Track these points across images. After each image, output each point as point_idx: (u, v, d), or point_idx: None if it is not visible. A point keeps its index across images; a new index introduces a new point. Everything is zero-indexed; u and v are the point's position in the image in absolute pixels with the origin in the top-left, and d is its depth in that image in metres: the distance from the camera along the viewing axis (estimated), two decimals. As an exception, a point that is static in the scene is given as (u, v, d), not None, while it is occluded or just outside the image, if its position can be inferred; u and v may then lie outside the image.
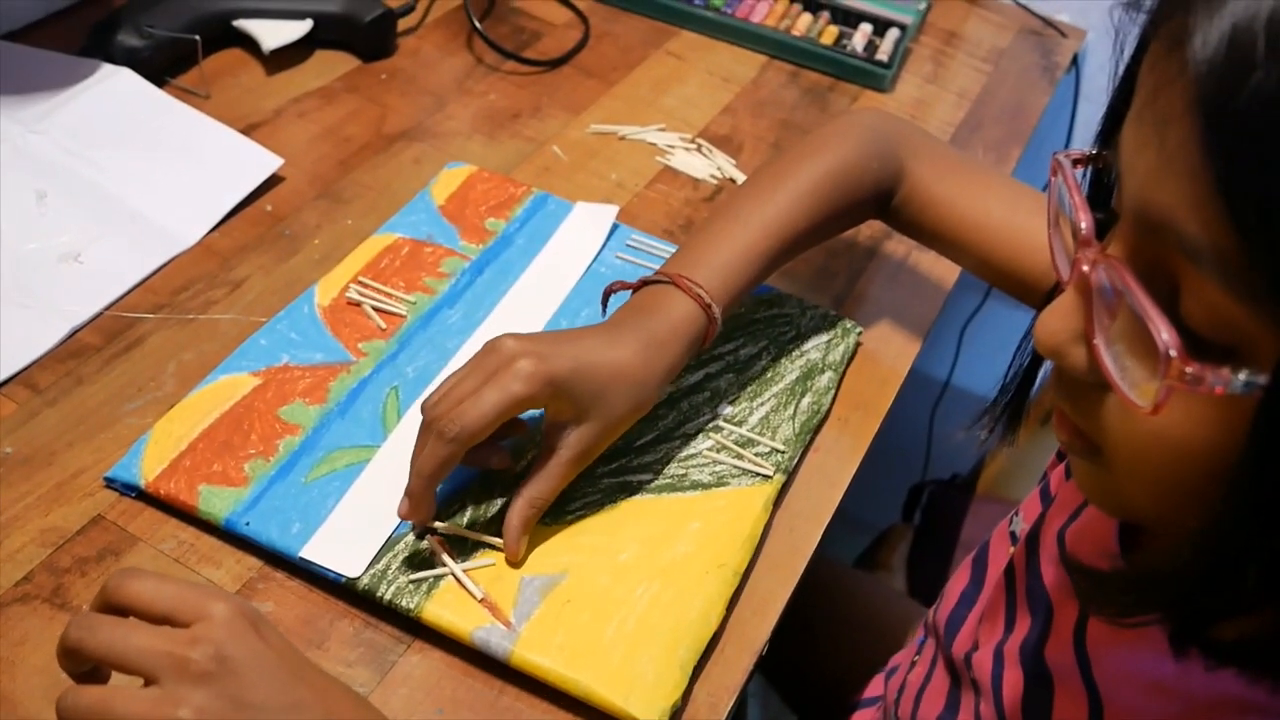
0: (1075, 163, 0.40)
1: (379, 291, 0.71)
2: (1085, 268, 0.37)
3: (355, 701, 0.46)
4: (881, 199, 0.68)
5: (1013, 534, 0.60)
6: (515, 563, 0.57)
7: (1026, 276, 0.65)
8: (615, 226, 0.79)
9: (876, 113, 0.71)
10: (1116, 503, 0.42)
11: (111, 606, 0.43)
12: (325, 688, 0.44)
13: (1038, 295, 0.64)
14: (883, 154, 0.67)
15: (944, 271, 0.83)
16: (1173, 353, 0.32)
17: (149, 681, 0.41)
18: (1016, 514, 0.60)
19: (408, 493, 0.55)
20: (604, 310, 0.66)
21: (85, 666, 0.43)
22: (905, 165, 0.68)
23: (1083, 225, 0.37)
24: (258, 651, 0.42)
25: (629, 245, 0.78)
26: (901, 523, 1.16)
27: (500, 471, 0.62)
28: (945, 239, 0.69)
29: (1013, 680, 0.50)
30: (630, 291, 0.63)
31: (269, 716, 0.41)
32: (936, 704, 0.60)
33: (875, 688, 0.76)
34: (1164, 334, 0.33)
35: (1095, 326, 0.36)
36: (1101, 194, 0.42)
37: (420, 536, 0.58)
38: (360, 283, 0.72)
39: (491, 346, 0.55)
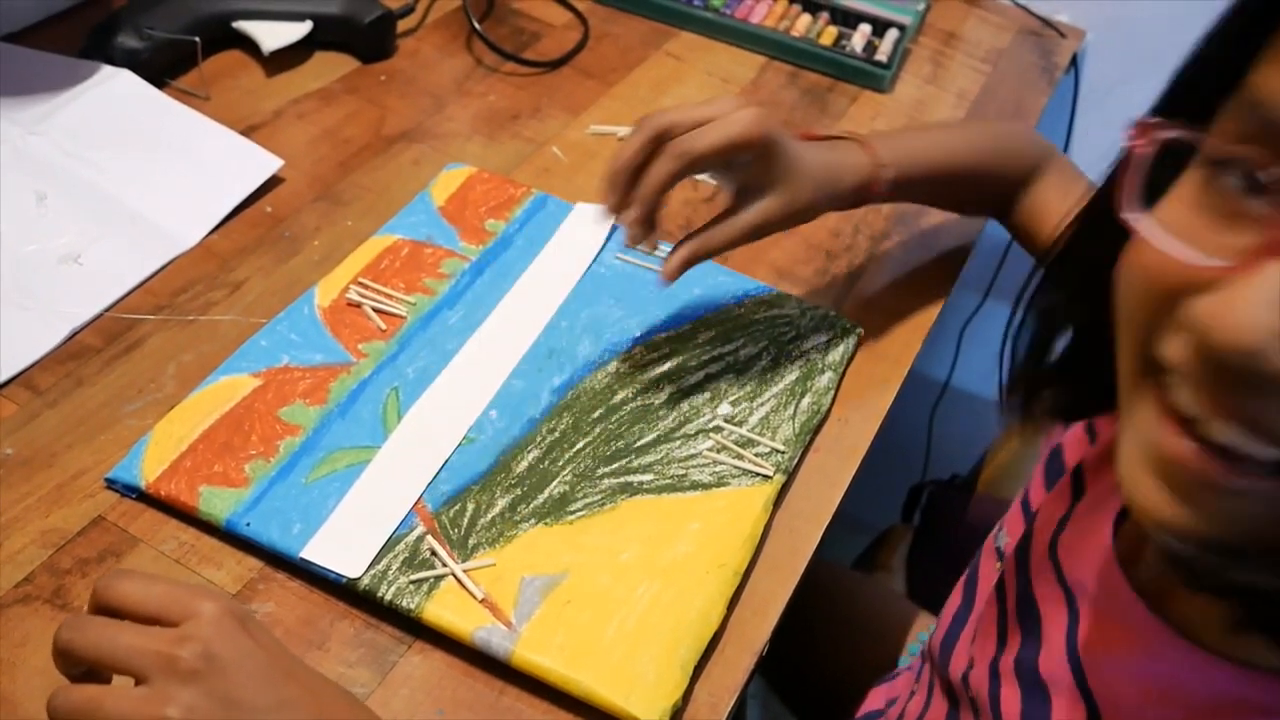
0: (1153, 131, 0.35)
1: (379, 293, 0.71)
2: None
3: (348, 701, 0.46)
4: (1013, 193, 0.75)
5: (998, 549, 0.59)
6: (668, 279, 0.63)
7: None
8: (615, 227, 0.79)
9: (1051, 146, 0.78)
10: (1256, 537, 0.34)
11: (102, 608, 0.43)
12: (316, 687, 0.44)
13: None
14: (1034, 155, 0.75)
15: (944, 272, 0.83)
16: None
17: (139, 681, 0.41)
18: (1000, 529, 0.60)
19: (610, 193, 0.61)
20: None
21: (79, 668, 0.43)
22: (1042, 168, 0.75)
23: (1266, 191, 0.32)
24: (246, 650, 0.42)
25: (629, 246, 0.78)
26: (901, 523, 1.16)
27: (502, 472, 0.62)
28: (1045, 243, 0.71)
29: (1010, 696, 0.50)
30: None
31: (257, 715, 0.41)
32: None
33: (874, 700, 0.76)
34: None
35: None
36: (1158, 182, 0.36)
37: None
38: (360, 284, 0.72)
39: (726, 98, 0.61)
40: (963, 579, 0.63)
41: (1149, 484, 0.35)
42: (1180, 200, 0.35)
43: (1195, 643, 0.42)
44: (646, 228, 0.62)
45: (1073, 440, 0.56)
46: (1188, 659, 0.41)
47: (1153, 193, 0.35)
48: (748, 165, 0.61)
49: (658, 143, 0.60)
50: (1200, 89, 0.36)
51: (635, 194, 0.61)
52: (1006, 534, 0.59)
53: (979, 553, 0.63)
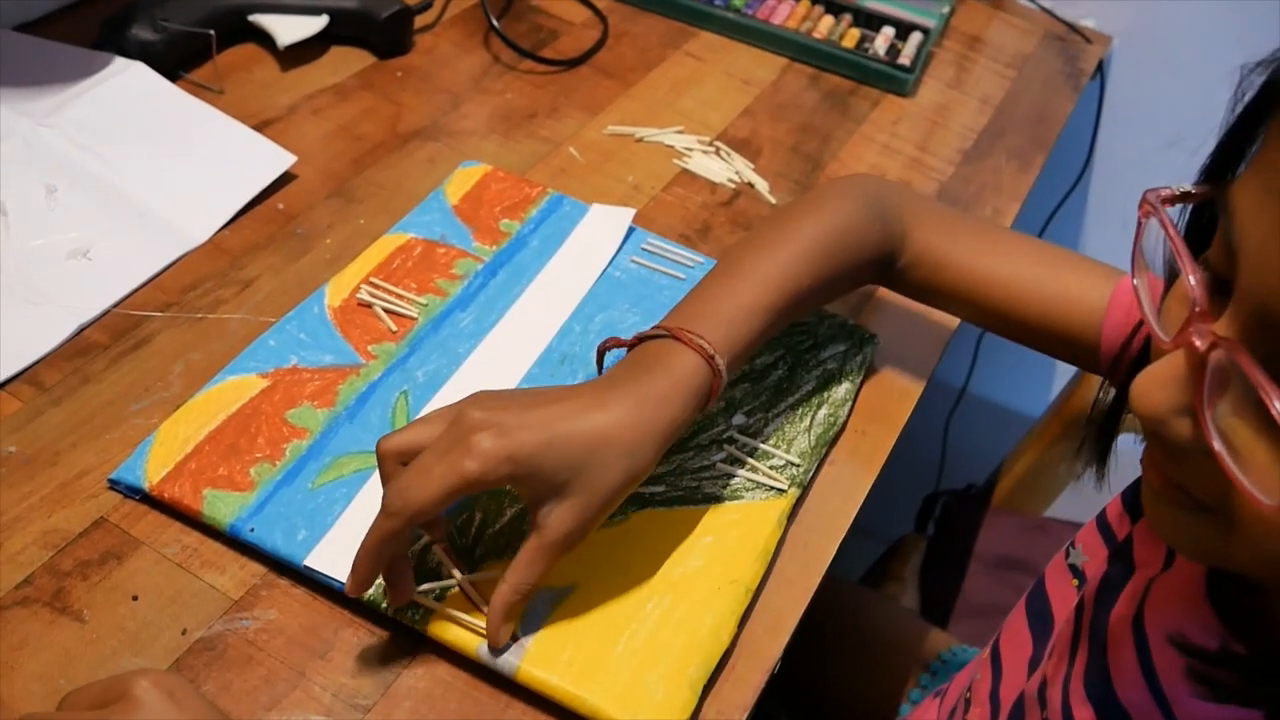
0: (1166, 201, 0.38)
1: (390, 293, 0.70)
2: (1198, 342, 0.35)
3: None
4: (884, 262, 0.65)
5: (1072, 566, 0.58)
6: (497, 648, 0.52)
7: (1063, 334, 0.63)
8: (631, 230, 0.78)
9: (870, 178, 0.68)
10: (1219, 557, 0.40)
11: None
12: None
13: (1075, 351, 0.63)
14: (884, 216, 0.64)
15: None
16: None
17: None
18: (1074, 546, 0.59)
19: (353, 566, 0.51)
20: (599, 370, 0.60)
21: None
22: (909, 229, 0.65)
23: (1193, 288, 0.36)
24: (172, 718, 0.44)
25: (645, 249, 0.77)
26: (914, 533, 1.15)
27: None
28: (964, 299, 0.66)
29: (1084, 717, 0.49)
30: (625, 350, 0.57)
31: None
32: None
33: None
34: None
35: (1204, 402, 0.35)
36: (1199, 234, 0.40)
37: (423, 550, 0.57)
38: (371, 284, 0.71)
39: (457, 413, 0.50)
40: (1025, 597, 0.62)
41: (1148, 505, 0.42)
42: (1189, 273, 0.38)
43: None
44: (358, 587, 0.52)
45: None
46: None
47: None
48: (523, 488, 0.50)
49: (382, 514, 0.49)
50: (1218, 166, 0.39)
51: (353, 564, 0.51)
52: (1083, 553, 0.58)
53: (1042, 572, 0.61)
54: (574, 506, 0.50)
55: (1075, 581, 0.57)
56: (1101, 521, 0.57)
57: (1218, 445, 0.34)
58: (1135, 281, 0.41)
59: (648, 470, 0.53)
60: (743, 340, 0.57)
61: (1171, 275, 0.40)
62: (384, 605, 0.54)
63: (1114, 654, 0.49)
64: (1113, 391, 0.53)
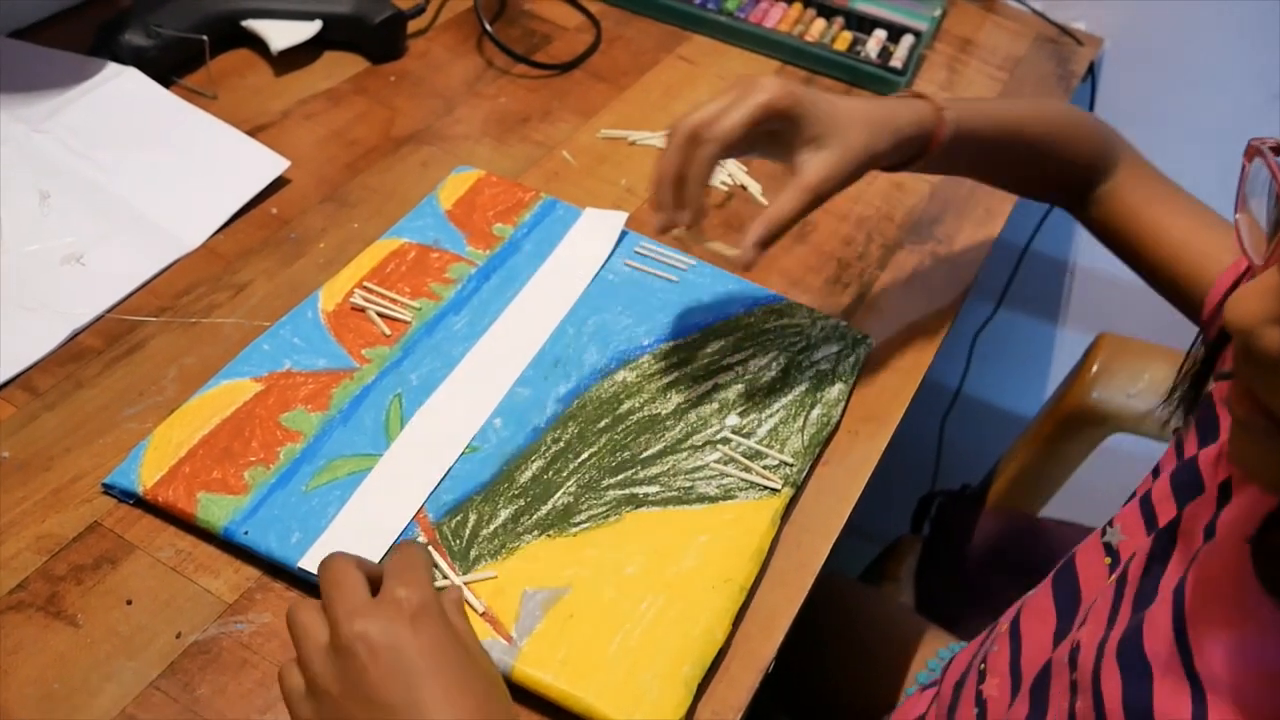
0: (1274, 150, 0.41)
1: (384, 297, 0.70)
2: None
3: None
4: (1085, 180, 0.74)
5: (1107, 545, 0.60)
6: (748, 267, 0.61)
7: (1184, 283, 0.69)
8: (624, 233, 0.78)
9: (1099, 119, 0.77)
10: None
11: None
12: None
13: (1187, 301, 0.70)
14: (1107, 143, 0.73)
15: (956, 282, 0.82)
16: None
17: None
18: (1110, 525, 0.61)
19: (660, 205, 0.61)
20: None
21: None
22: (1119, 161, 0.73)
23: None
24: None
25: (638, 252, 0.77)
26: (910, 534, 1.15)
27: (505, 482, 0.61)
28: (1129, 243, 0.73)
29: (1110, 675, 0.50)
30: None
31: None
32: (1021, 712, 0.59)
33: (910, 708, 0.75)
34: None
35: None
36: None
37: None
38: (365, 288, 0.71)
39: (741, 78, 0.61)
40: (1052, 575, 0.64)
41: (1233, 438, 0.43)
42: None
43: None
44: (698, 219, 0.62)
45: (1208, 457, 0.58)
46: None
47: None
48: (790, 133, 0.61)
49: (692, 143, 0.59)
50: None
51: (684, 197, 0.61)
52: (1121, 532, 0.60)
53: (1073, 551, 0.63)
54: (827, 158, 0.60)
55: (1108, 560, 0.58)
56: (1145, 504, 0.58)
57: None
58: (1237, 216, 0.42)
59: (876, 160, 0.63)
60: (968, 124, 0.66)
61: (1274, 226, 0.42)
62: None
63: (1150, 616, 0.50)
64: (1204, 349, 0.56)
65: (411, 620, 0.46)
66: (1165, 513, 0.57)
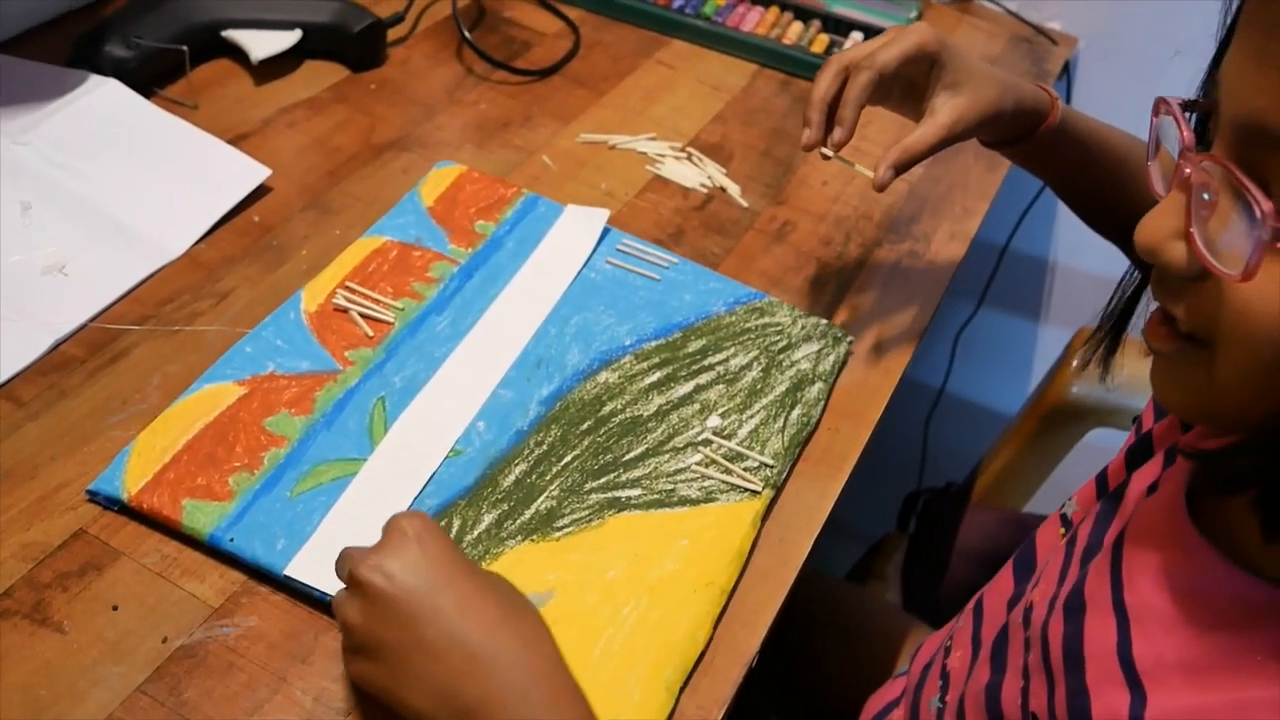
0: (1181, 105, 0.44)
1: (366, 297, 0.71)
2: (1187, 170, 0.40)
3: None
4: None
5: (1063, 516, 0.62)
6: (881, 188, 0.65)
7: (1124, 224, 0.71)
8: (606, 230, 0.79)
9: None
10: (1208, 403, 0.43)
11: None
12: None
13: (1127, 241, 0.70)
14: None
15: (935, 280, 0.83)
16: (1265, 211, 0.36)
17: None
18: (1069, 500, 0.63)
19: (811, 124, 0.67)
20: None
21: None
22: None
23: (1185, 136, 0.41)
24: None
25: (620, 250, 0.78)
26: (896, 531, 1.15)
27: (488, 487, 0.62)
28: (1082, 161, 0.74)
29: (1056, 624, 0.51)
30: None
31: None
32: (982, 677, 0.60)
33: (873, 706, 0.75)
34: (1259, 200, 0.36)
35: (1193, 218, 0.39)
36: (1200, 140, 0.45)
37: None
38: (347, 288, 0.71)
39: (895, 26, 0.67)
40: (1014, 558, 0.65)
41: (1155, 374, 0.45)
42: (1181, 127, 0.43)
43: (1233, 559, 0.44)
44: (847, 140, 0.67)
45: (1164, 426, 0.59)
46: (1221, 567, 0.44)
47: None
48: (930, 78, 0.66)
49: (851, 71, 0.66)
50: (1213, 73, 0.45)
51: (837, 117, 0.67)
52: (1075, 504, 0.62)
53: (1032, 534, 0.65)
54: (961, 103, 0.66)
55: (1063, 530, 0.60)
56: (1100, 477, 0.60)
57: (1202, 248, 0.39)
58: (1149, 164, 0.46)
59: (1000, 118, 0.67)
60: (1073, 119, 0.70)
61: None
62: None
63: (1093, 565, 0.51)
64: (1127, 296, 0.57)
65: (418, 540, 0.49)
66: (1116, 479, 0.58)
